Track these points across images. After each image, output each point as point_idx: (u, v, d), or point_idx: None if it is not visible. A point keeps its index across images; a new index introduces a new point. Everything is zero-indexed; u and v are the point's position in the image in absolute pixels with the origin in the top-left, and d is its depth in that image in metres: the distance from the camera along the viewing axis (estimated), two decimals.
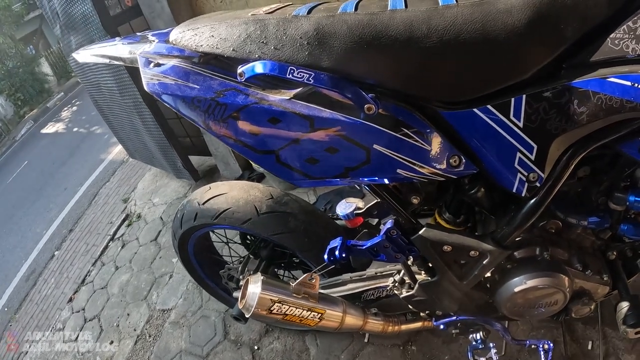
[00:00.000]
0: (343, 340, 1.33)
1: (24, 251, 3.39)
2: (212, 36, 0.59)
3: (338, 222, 1.04)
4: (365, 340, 1.31)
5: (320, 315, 0.76)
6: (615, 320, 0.75)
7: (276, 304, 0.72)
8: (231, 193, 1.00)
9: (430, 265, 0.74)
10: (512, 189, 0.57)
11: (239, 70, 0.55)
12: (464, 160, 0.54)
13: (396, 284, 0.84)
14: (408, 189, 0.68)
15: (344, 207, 0.76)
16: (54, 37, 10.00)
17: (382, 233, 0.69)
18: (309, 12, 0.56)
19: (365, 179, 0.59)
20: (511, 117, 0.51)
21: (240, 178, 2.35)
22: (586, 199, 0.65)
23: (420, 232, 0.67)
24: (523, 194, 0.57)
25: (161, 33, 0.70)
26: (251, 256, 1.16)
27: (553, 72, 0.49)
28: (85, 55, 0.81)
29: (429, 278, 0.75)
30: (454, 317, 0.84)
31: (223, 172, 2.48)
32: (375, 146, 0.55)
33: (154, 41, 0.68)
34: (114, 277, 2.19)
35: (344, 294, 0.93)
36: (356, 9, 0.54)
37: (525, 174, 0.55)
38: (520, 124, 0.51)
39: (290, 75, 0.51)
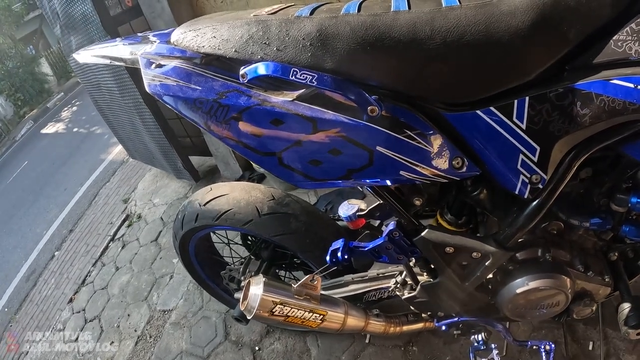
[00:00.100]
0: (344, 341, 1.33)
1: (24, 251, 3.39)
2: (214, 37, 0.59)
3: (339, 223, 1.04)
4: (367, 341, 1.31)
5: (322, 316, 0.76)
6: (616, 320, 0.75)
7: (278, 305, 0.72)
8: (232, 194, 0.99)
9: (432, 266, 0.74)
10: (515, 191, 0.57)
11: (242, 72, 0.55)
12: (466, 162, 0.54)
13: (398, 285, 0.84)
14: (410, 190, 0.68)
15: (347, 209, 0.76)
16: (54, 37, 9.99)
17: (384, 235, 0.69)
18: (312, 13, 0.56)
19: (368, 181, 0.59)
20: (514, 119, 0.51)
21: (240, 178, 2.35)
22: (588, 200, 0.65)
23: (423, 234, 0.67)
24: (525, 196, 0.57)
25: (162, 34, 0.70)
26: (252, 257, 1.16)
27: (556, 74, 0.49)
28: (86, 55, 0.81)
29: (431, 279, 0.75)
30: (456, 318, 0.84)
31: (223, 173, 2.48)
32: (378, 148, 0.55)
33: (155, 42, 0.67)
34: (114, 277, 2.19)
35: (346, 295, 0.93)
36: (359, 10, 0.54)
37: (528, 175, 0.55)
38: (523, 126, 0.51)
39: (293, 77, 0.51)
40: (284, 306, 0.72)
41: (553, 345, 0.91)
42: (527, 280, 0.68)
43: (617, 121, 0.48)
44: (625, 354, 1.05)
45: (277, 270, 1.19)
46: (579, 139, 0.53)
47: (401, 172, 0.56)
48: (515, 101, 0.50)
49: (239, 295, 1.00)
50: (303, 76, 0.51)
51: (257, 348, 1.45)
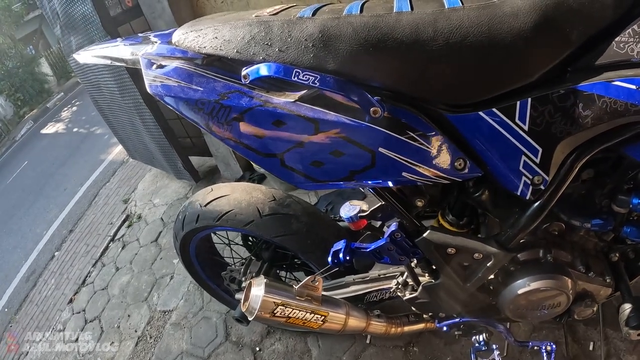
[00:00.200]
0: (345, 342, 1.33)
1: (24, 252, 3.39)
2: (216, 38, 0.59)
3: (340, 223, 1.04)
4: (367, 341, 1.31)
5: (323, 317, 0.76)
6: (617, 321, 0.75)
7: (279, 306, 0.72)
8: (233, 195, 0.99)
9: (434, 267, 0.74)
10: (517, 192, 0.57)
11: (243, 72, 0.55)
12: (468, 163, 0.54)
13: (399, 286, 0.83)
14: (412, 191, 0.68)
15: (348, 210, 0.76)
16: (54, 37, 9.97)
17: (386, 236, 0.69)
18: (314, 14, 0.56)
19: (370, 182, 0.59)
20: (516, 120, 0.51)
21: (241, 179, 2.35)
22: (590, 201, 0.65)
23: (425, 235, 0.67)
24: (527, 197, 0.57)
25: (163, 34, 0.70)
26: (253, 258, 1.16)
27: (558, 76, 0.49)
28: (86, 56, 0.80)
29: (433, 280, 0.75)
30: (457, 319, 0.84)
31: (224, 173, 2.48)
32: (380, 149, 0.55)
33: (156, 42, 0.67)
34: (114, 278, 2.19)
35: (347, 296, 0.93)
36: (361, 11, 0.54)
37: (530, 177, 0.55)
38: (526, 127, 0.51)
39: (296, 78, 0.51)
40: (286, 307, 0.72)
41: (554, 346, 0.91)
42: (529, 281, 0.68)
43: (619, 122, 0.48)
44: (626, 355, 1.06)
45: (278, 271, 1.19)
46: (581, 140, 0.53)
47: (403, 173, 0.56)
48: (518, 102, 0.50)
49: (240, 296, 1.00)
50: (305, 77, 0.51)
51: (257, 349, 1.45)
